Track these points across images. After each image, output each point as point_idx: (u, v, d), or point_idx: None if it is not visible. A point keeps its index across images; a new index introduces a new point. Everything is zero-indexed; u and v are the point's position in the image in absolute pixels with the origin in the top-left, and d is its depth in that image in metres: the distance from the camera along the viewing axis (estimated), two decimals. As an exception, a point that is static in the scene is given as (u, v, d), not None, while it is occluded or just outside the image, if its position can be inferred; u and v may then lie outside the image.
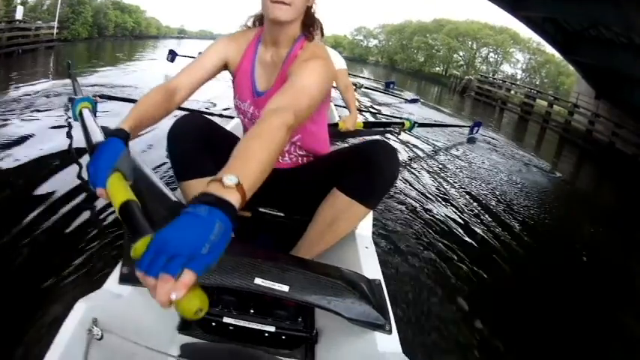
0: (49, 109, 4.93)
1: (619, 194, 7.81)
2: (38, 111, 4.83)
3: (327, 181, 1.32)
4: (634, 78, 10.72)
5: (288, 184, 1.48)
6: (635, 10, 7.30)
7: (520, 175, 6.03)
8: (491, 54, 46.12)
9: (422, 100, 13.02)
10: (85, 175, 2.46)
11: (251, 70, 1.42)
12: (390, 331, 1.16)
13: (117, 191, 0.94)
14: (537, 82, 42.23)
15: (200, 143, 1.36)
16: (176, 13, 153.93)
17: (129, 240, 0.94)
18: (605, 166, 10.34)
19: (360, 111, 5.42)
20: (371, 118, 6.68)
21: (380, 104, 10.08)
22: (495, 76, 36.55)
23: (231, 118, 2.82)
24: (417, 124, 4.63)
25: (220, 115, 4.16)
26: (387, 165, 1.27)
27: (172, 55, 9.02)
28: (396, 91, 12.91)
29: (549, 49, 42.01)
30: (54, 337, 0.91)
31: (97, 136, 1.28)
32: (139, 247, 0.65)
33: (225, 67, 1.44)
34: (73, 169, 3.13)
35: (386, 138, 5.87)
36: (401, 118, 5.31)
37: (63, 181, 2.85)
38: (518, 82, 29.86)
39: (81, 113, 1.55)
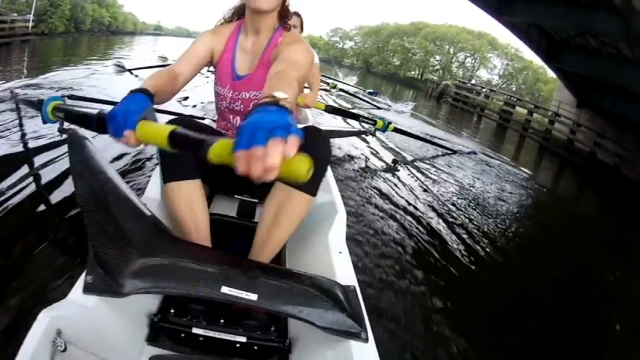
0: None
1: (599, 206, 7.73)
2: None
3: None
4: (618, 88, 10.63)
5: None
6: (633, 18, 7.03)
7: (498, 185, 5.86)
8: (469, 59, 46.69)
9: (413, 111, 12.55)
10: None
11: (232, 57, 1.52)
12: (366, 340, 1.13)
13: (155, 129, 0.96)
14: (514, 89, 43.00)
15: None
16: (153, 9, 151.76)
17: (93, 249, 1.10)
18: (586, 177, 10.23)
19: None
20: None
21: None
22: (472, 82, 37.17)
23: (202, 119, 2.97)
24: (392, 126, 4.42)
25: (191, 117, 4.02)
26: (316, 148, 1.17)
27: (122, 69, 8.38)
28: (381, 100, 12.24)
29: (527, 55, 42.94)
30: (17, 349, 0.87)
31: (92, 113, 1.33)
32: (218, 148, 0.75)
33: (210, 58, 1.53)
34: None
35: (361, 138, 6.16)
36: (374, 116, 4.91)
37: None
38: (495, 88, 30.14)
39: (57, 108, 1.61)
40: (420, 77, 46.62)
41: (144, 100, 1.04)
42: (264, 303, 1.09)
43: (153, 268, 1.10)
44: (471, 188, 5.28)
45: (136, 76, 8.07)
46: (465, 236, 3.65)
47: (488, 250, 3.52)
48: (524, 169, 7.98)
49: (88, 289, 1.06)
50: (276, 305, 1.10)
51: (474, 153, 7.46)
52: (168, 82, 1.29)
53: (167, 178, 1.35)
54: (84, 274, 1.09)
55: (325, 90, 8.31)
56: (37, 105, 1.71)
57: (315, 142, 1.23)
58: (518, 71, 44.20)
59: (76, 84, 6.67)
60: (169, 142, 0.90)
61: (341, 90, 8.89)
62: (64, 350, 0.93)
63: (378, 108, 10.40)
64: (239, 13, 1.56)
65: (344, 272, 1.37)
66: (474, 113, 20.48)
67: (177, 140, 0.90)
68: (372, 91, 13.38)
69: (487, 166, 7.04)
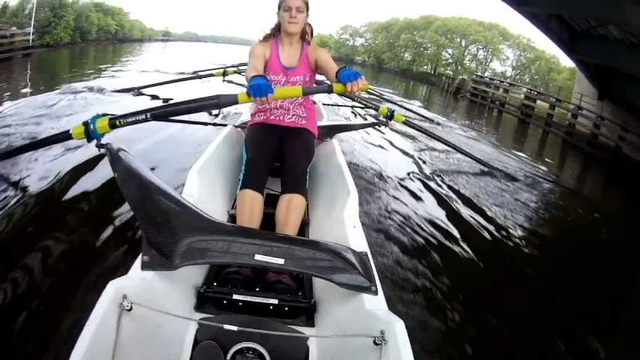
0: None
1: (628, 207, 7.52)
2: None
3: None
4: (641, 78, 10.43)
5: (291, 142, 2.34)
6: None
7: (525, 188, 5.77)
8: (481, 51, 46.06)
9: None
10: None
11: (278, 57, 2.40)
12: (376, 292, 1.40)
13: (289, 90, 2.00)
14: (527, 80, 42.41)
15: (269, 156, 2.30)
16: (160, 15, 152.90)
17: (146, 236, 1.41)
18: (613, 175, 10.09)
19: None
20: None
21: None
22: (485, 74, 36.60)
23: (224, 125, 3.27)
24: (400, 116, 4.09)
25: (214, 124, 4.35)
26: (297, 159, 2.22)
27: (137, 92, 8.32)
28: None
29: (539, 45, 42.40)
30: (90, 311, 1.11)
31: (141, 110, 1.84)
32: (337, 86, 1.87)
33: (265, 57, 2.36)
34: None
35: (376, 128, 6.51)
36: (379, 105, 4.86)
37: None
38: (511, 81, 29.54)
39: (109, 122, 1.78)
40: (433, 72, 46.14)
41: (266, 80, 1.79)
42: (289, 265, 1.38)
43: (196, 245, 1.40)
44: (497, 188, 5.38)
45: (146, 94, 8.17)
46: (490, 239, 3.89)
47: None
48: (550, 171, 7.93)
49: (145, 266, 1.36)
50: (299, 266, 1.40)
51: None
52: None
53: (244, 186, 2.07)
54: (140, 255, 1.39)
55: None
56: (68, 135, 1.91)
57: (297, 156, 2.24)
58: (531, 62, 43.48)
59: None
60: (302, 91, 1.89)
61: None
62: (129, 309, 1.19)
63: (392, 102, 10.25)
64: (275, 31, 2.43)
65: (358, 241, 1.71)
66: (493, 108, 20.08)
67: (308, 90, 1.97)
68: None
69: (516, 169, 6.90)
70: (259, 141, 2.29)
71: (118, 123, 1.84)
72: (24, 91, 8.61)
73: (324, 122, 3.69)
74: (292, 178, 2.13)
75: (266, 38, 2.43)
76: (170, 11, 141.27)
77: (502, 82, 23.34)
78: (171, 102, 2.21)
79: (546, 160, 10.28)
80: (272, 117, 2.42)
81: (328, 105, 4.80)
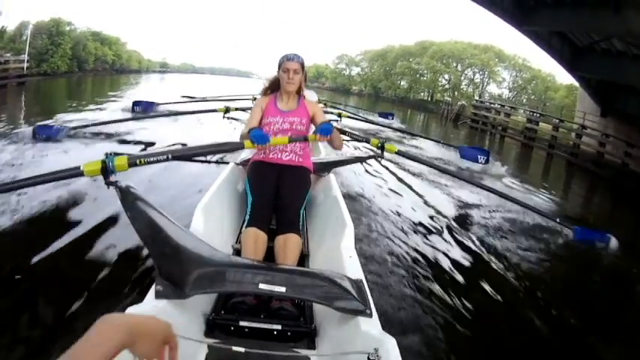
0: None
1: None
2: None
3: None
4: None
5: (287, 179, 2.58)
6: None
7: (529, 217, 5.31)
8: (477, 75, 46.70)
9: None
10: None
11: (275, 104, 2.78)
12: (370, 315, 1.53)
13: (279, 139, 2.49)
14: (525, 100, 42.85)
15: (271, 195, 2.50)
16: (158, 46, 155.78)
17: (158, 267, 1.56)
18: (620, 192, 10.03)
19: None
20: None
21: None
22: (482, 98, 36.68)
23: (227, 163, 3.41)
24: (393, 147, 3.80)
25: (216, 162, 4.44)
26: (291, 199, 2.46)
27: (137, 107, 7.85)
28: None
29: (536, 64, 43.00)
30: None
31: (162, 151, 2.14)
32: (311, 137, 2.60)
33: (263, 109, 2.79)
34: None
35: (367, 164, 6.74)
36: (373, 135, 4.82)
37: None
38: (510, 104, 29.38)
39: (129, 161, 1.98)
40: (430, 99, 46.53)
41: (263, 132, 2.39)
42: (291, 293, 1.53)
43: (205, 275, 1.55)
44: (501, 221, 5.21)
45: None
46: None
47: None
48: (556, 195, 7.83)
49: (158, 295, 1.48)
50: (300, 294, 1.56)
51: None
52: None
53: (249, 225, 2.27)
54: (154, 285, 1.52)
55: (334, 121, 8.05)
56: (79, 172, 1.95)
57: (290, 196, 2.49)
58: (527, 82, 43.95)
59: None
60: (289, 140, 2.47)
61: (349, 117, 8.48)
62: None
63: (395, 129, 10.32)
64: (274, 85, 2.82)
65: (354, 270, 1.86)
66: (495, 134, 19.99)
67: (293, 139, 2.51)
68: (381, 111, 12.92)
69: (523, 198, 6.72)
70: (261, 182, 2.53)
71: (137, 162, 1.99)
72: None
73: (322, 157, 3.91)
74: (287, 219, 2.35)
75: (266, 92, 2.85)
76: (167, 42, 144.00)
77: (503, 106, 23.32)
78: (190, 146, 2.57)
79: (550, 185, 10.08)
80: (271, 155, 2.68)
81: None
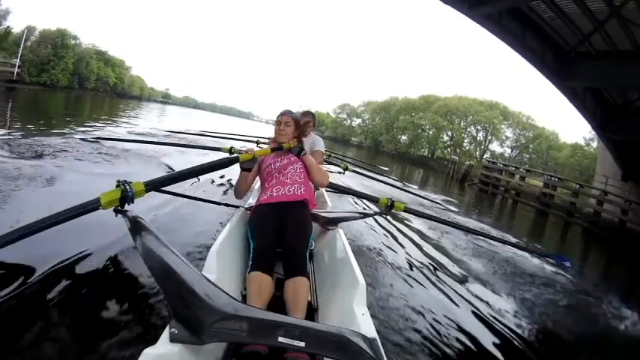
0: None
1: None
2: None
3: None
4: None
5: (290, 220, 2.65)
6: None
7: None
8: (480, 132, 47.21)
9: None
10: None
11: (272, 156, 3.06)
12: None
13: (263, 151, 2.97)
14: (527, 159, 43.44)
15: (273, 239, 2.55)
16: (162, 75, 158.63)
17: (172, 309, 1.58)
18: None
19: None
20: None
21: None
22: (486, 157, 36.95)
23: (237, 207, 3.48)
24: (401, 205, 3.81)
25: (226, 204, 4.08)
26: (296, 242, 2.50)
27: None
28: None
29: (539, 123, 43.71)
30: None
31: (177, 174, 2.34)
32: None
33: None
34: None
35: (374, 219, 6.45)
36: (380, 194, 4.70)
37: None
38: (513, 164, 28.26)
39: (146, 188, 2.03)
40: (430, 155, 47.17)
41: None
42: (309, 347, 1.54)
43: (222, 323, 1.54)
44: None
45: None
46: None
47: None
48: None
49: (173, 338, 1.49)
50: (317, 349, 1.57)
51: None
52: (247, 183, 3.01)
53: (252, 269, 2.30)
54: (168, 326, 1.51)
55: (338, 173, 8.12)
56: (97, 205, 1.89)
57: (295, 236, 2.54)
58: (530, 140, 44.46)
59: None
60: (271, 149, 2.95)
61: (354, 172, 8.56)
62: None
63: (398, 188, 9.83)
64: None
65: (367, 328, 1.91)
66: (507, 198, 19.17)
67: (275, 148, 2.97)
68: (385, 168, 12.97)
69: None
70: (262, 226, 2.61)
71: (154, 187, 2.04)
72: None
73: (328, 211, 4.02)
74: (293, 262, 2.41)
75: (262, 150, 3.08)
76: (172, 73, 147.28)
77: (518, 168, 22.45)
78: (192, 166, 2.47)
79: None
80: (274, 193, 2.86)
81: (332, 192, 4.96)
